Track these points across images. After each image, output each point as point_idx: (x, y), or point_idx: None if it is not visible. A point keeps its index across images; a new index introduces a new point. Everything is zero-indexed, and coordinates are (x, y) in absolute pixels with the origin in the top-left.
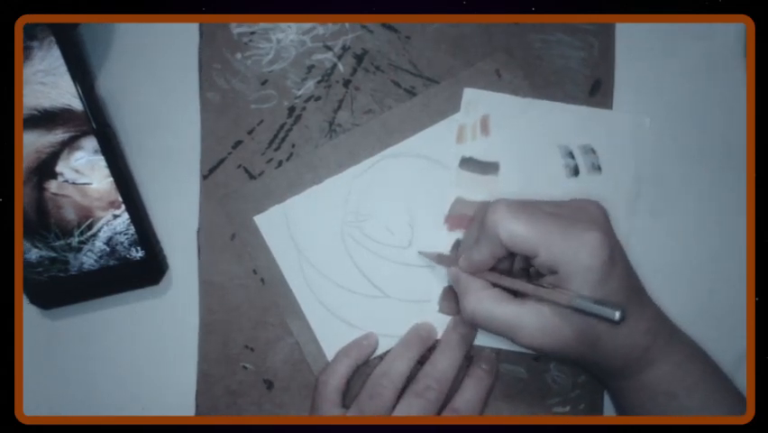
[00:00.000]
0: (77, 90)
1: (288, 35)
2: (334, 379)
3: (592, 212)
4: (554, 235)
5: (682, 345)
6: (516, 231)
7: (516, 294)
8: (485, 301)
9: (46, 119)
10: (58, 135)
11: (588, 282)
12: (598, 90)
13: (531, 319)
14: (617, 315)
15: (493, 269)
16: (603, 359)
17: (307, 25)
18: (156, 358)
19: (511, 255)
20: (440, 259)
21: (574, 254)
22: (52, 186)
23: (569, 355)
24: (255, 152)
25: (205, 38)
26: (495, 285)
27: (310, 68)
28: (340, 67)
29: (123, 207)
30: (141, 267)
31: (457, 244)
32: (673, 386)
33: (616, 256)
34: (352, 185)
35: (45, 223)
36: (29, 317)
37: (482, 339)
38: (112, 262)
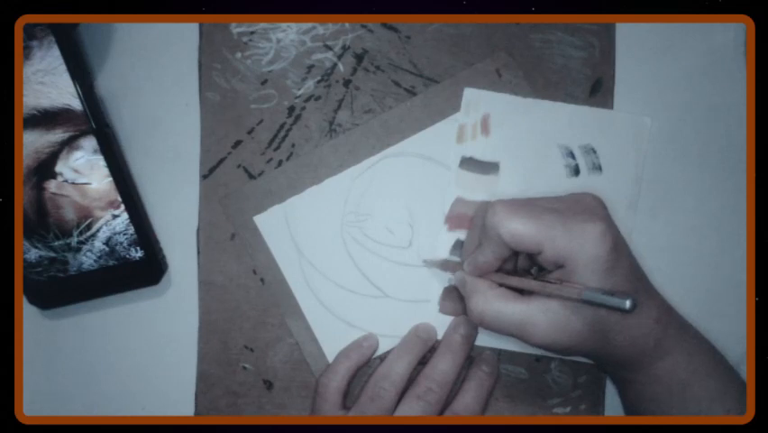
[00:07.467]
0: (77, 90)
1: (287, 35)
2: (335, 381)
3: (590, 203)
4: (557, 230)
5: (692, 334)
6: (517, 230)
7: (523, 293)
8: (492, 301)
9: (45, 119)
10: (57, 135)
11: (596, 272)
12: (598, 90)
13: (540, 316)
14: (628, 304)
15: (498, 269)
16: (616, 351)
17: (307, 25)
18: (156, 358)
19: (515, 255)
20: (444, 265)
21: (579, 246)
22: (51, 186)
23: (581, 350)
24: (255, 152)
25: (205, 38)
26: (501, 285)
27: (310, 67)
28: (340, 66)
29: (122, 206)
30: (140, 267)
31: (458, 245)
32: (687, 376)
33: (619, 245)
34: (351, 185)
35: (44, 223)
36: (28, 317)
37: (483, 340)
38: (111, 263)
